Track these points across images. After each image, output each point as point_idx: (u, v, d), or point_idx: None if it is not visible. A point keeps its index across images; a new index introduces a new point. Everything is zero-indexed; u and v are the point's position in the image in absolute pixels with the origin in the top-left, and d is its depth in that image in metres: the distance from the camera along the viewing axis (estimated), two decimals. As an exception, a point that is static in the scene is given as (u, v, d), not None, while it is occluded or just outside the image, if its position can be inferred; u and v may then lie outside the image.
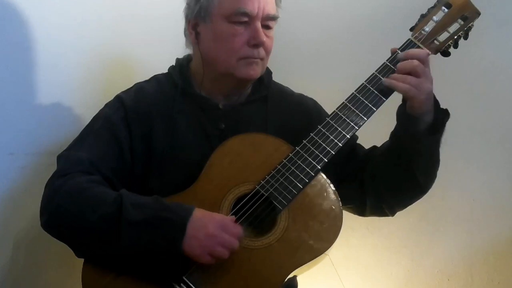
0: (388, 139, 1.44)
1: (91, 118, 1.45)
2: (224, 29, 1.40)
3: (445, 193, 1.98)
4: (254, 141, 1.40)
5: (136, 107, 1.43)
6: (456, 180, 1.99)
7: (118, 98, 1.46)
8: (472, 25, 1.40)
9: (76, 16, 1.63)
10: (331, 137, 1.34)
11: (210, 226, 1.23)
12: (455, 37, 1.39)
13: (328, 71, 2.07)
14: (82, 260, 1.30)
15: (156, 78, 1.53)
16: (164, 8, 1.82)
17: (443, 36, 1.39)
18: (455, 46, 1.41)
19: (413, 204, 1.48)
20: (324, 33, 2.09)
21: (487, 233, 2.01)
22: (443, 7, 1.39)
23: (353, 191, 1.46)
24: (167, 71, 1.54)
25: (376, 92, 1.35)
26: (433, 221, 2.04)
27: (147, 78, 1.54)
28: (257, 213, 1.31)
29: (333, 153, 1.33)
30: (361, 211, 1.51)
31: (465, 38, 1.41)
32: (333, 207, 1.33)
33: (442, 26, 1.38)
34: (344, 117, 1.35)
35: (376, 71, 1.37)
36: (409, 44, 1.37)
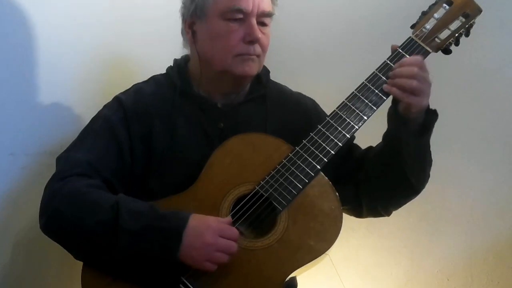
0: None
1: (91, 118, 1.45)
2: (219, 26, 1.40)
3: (445, 193, 1.98)
4: (254, 141, 1.39)
5: (135, 107, 1.43)
6: (456, 180, 1.98)
7: (117, 99, 1.46)
8: (474, 22, 1.40)
9: (76, 17, 1.63)
10: (331, 137, 1.34)
11: (206, 234, 1.22)
12: (457, 34, 1.39)
13: (328, 70, 2.07)
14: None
15: (154, 79, 1.53)
16: (163, 9, 1.82)
17: (444, 34, 1.38)
18: (457, 43, 1.40)
19: (413, 204, 1.47)
20: (324, 32, 2.09)
21: (487, 233, 2.01)
22: (444, 4, 1.39)
23: (349, 192, 1.46)
24: (165, 71, 1.54)
25: (376, 91, 1.34)
26: (433, 221, 2.04)
27: (146, 78, 1.54)
28: (257, 213, 1.31)
29: (333, 153, 1.33)
30: (358, 212, 1.51)
31: (467, 35, 1.41)
32: (333, 208, 1.33)
33: (443, 23, 1.38)
34: (344, 116, 1.35)
35: (376, 70, 1.36)
36: (410, 42, 1.37)
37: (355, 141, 1.53)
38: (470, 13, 1.38)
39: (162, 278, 1.24)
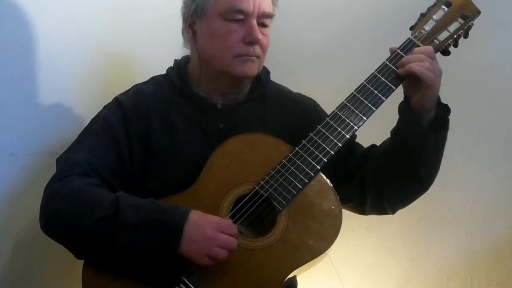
0: (387, 137, 1.44)
1: (91, 119, 1.46)
2: (219, 26, 1.40)
3: (445, 193, 1.98)
4: (253, 141, 1.40)
5: (135, 108, 1.43)
6: (456, 180, 1.98)
7: (117, 100, 1.47)
8: (472, 24, 1.40)
9: (76, 17, 1.63)
10: (331, 137, 1.34)
11: (207, 228, 1.23)
12: (455, 36, 1.39)
13: (327, 71, 2.08)
14: (82, 260, 1.30)
15: (154, 79, 1.53)
16: (163, 10, 1.82)
17: (443, 35, 1.39)
18: (455, 45, 1.41)
19: (413, 204, 1.47)
20: (324, 33, 2.09)
21: (487, 233, 2.01)
22: (443, 6, 1.39)
23: (352, 190, 1.46)
24: (165, 72, 1.54)
25: (376, 91, 1.35)
26: (433, 222, 2.04)
27: (146, 79, 1.55)
28: (257, 213, 1.31)
29: (333, 153, 1.33)
30: (361, 210, 1.51)
31: (465, 37, 1.41)
32: (333, 207, 1.33)
33: (442, 25, 1.38)
34: (343, 117, 1.35)
35: (375, 70, 1.37)
36: (409, 43, 1.37)
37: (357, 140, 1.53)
38: (469, 15, 1.38)
39: (162, 276, 1.24)
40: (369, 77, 1.36)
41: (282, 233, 1.29)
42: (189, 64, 1.52)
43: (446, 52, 1.40)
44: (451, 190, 1.99)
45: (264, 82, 1.53)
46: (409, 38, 1.38)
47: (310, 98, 1.60)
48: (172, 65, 1.54)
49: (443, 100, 1.37)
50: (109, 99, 1.48)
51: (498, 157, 1.98)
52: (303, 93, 1.61)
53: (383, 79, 1.35)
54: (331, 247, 1.30)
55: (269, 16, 1.43)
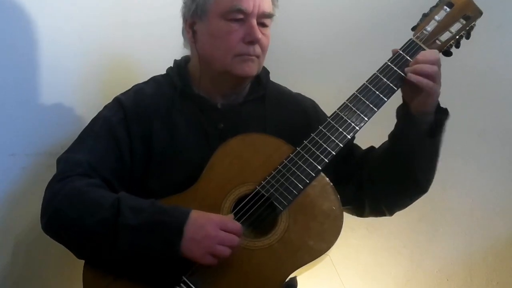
0: (386, 139, 1.44)
1: (91, 119, 1.45)
2: (219, 26, 1.40)
3: (445, 193, 1.99)
4: (254, 142, 1.39)
5: (135, 108, 1.43)
6: (456, 181, 1.99)
7: (117, 100, 1.46)
8: (474, 24, 1.40)
9: (76, 18, 1.63)
10: (332, 138, 1.34)
11: (208, 227, 1.23)
12: (457, 36, 1.39)
13: (328, 71, 2.08)
14: (83, 260, 1.30)
15: (154, 80, 1.53)
16: (163, 10, 1.82)
17: (445, 36, 1.39)
18: (457, 45, 1.41)
19: (413, 204, 1.47)
20: (324, 33, 2.09)
21: (486, 233, 2.01)
22: (445, 7, 1.39)
23: (350, 192, 1.46)
24: (165, 72, 1.54)
25: (377, 92, 1.35)
26: (433, 222, 2.04)
27: (146, 79, 1.54)
28: (258, 213, 1.31)
29: (334, 153, 1.33)
30: (360, 212, 1.51)
31: (467, 37, 1.41)
32: (334, 208, 1.33)
33: (444, 25, 1.38)
34: (345, 117, 1.35)
35: (377, 71, 1.36)
36: (410, 44, 1.37)
37: (355, 142, 1.53)
38: (471, 15, 1.38)
39: (163, 277, 1.24)
40: (370, 77, 1.36)
41: (283, 234, 1.29)
42: (189, 64, 1.52)
43: (448, 53, 1.40)
44: (451, 190, 1.99)
45: (264, 83, 1.53)
46: (411, 38, 1.38)
47: (310, 99, 1.60)
48: (172, 65, 1.54)
49: (443, 100, 1.37)
50: (110, 99, 1.48)
51: (498, 157, 1.98)
52: (303, 93, 1.61)
53: (385, 80, 1.35)
54: (332, 247, 1.30)
55: (269, 16, 1.43)
